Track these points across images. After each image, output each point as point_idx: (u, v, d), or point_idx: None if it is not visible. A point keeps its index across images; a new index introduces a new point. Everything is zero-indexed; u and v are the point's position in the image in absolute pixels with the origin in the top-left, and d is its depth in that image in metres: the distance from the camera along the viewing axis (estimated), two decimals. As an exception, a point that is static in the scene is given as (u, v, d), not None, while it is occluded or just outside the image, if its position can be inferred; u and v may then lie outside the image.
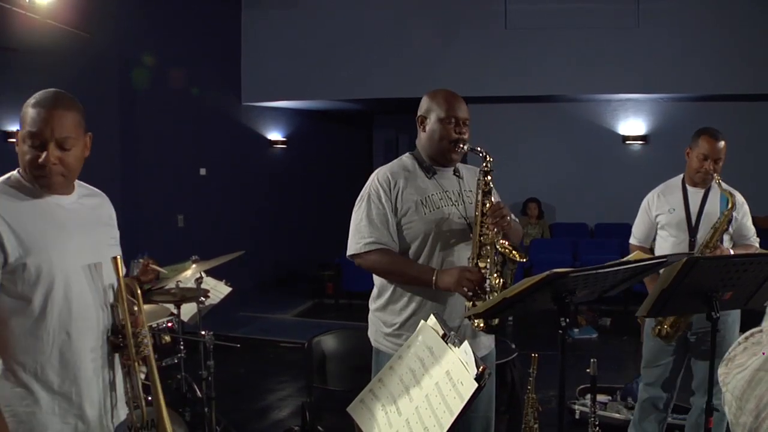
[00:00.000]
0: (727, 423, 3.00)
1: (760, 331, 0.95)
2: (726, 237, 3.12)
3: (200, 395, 3.57)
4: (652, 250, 3.32)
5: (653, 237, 3.31)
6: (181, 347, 3.52)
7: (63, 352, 1.75)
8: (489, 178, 2.24)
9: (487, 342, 2.42)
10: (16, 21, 5.07)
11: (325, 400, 3.27)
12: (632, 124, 8.67)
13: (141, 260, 2.72)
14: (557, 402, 1.93)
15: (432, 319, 1.57)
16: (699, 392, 3.11)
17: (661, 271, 2.17)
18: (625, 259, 1.98)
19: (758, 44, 7.47)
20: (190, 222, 7.60)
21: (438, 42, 8.07)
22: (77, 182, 1.89)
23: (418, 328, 1.60)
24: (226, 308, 4.12)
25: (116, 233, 1.99)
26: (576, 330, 6.44)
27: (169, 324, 3.55)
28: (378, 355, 2.40)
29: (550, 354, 2.09)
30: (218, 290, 3.84)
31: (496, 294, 2.12)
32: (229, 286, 3.90)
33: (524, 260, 2.17)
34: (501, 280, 2.16)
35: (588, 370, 2.99)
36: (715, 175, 3.06)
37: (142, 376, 1.94)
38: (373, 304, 2.45)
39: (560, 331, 1.83)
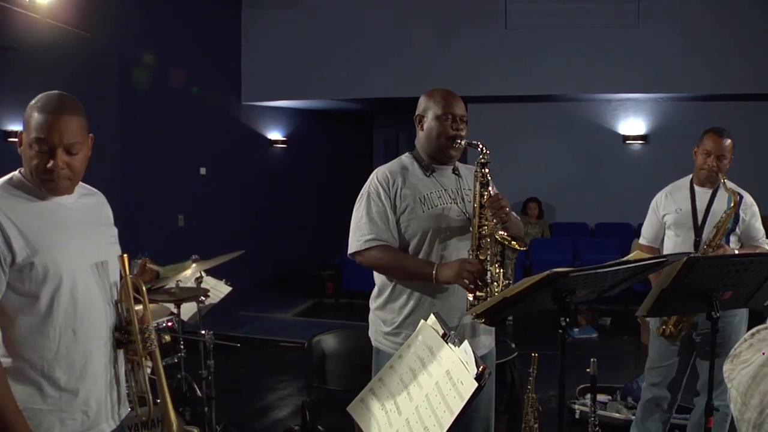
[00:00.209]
0: (731, 422, 3.01)
1: (766, 327, 0.95)
2: (734, 238, 3.11)
3: (200, 394, 3.57)
4: (660, 251, 3.31)
5: (662, 237, 3.31)
6: (181, 346, 3.53)
7: (69, 350, 1.76)
8: (486, 170, 2.24)
9: (487, 341, 2.42)
10: (16, 20, 5.07)
11: (325, 400, 3.27)
12: (632, 124, 8.67)
13: (139, 261, 2.73)
14: (557, 401, 1.92)
15: (432, 319, 1.57)
16: (703, 392, 3.08)
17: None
18: (625, 258, 1.98)
19: (759, 44, 7.47)
20: (190, 221, 7.60)
21: (438, 42, 8.08)
22: None
23: (418, 327, 1.60)
24: (226, 308, 4.12)
25: (115, 231, 2.01)
26: (576, 329, 6.45)
27: (169, 323, 3.56)
28: (378, 355, 2.41)
29: (550, 353, 2.09)
30: (218, 290, 3.84)
31: (496, 285, 2.13)
32: (229, 285, 3.90)
33: (524, 248, 2.17)
34: (501, 270, 2.16)
35: (588, 370, 2.99)
36: (721, 174, 3.06)
37: (148, 371, 1.96)
38: (373, 303, 2.46)
39: (560, 331, 1.83)
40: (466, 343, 1.41)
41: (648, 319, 3.14)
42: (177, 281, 3.45)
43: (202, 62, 7.74)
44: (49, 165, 1.71)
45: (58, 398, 1.75)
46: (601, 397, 4.06)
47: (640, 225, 3.50)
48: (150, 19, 6.94)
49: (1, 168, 1.88)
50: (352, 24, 8.22)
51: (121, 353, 1.93)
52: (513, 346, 3.61)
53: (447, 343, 1.47)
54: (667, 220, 3.24)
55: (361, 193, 2.40)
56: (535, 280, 1.70)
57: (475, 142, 2.27)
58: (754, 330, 0.97)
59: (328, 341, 3.38)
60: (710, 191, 3.15)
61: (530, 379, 3.20)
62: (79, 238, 1.81)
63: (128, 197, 6.50)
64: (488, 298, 2.09)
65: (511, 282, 2.12)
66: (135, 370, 1.94)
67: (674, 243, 3.20)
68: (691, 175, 3.25)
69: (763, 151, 7.90)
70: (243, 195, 8.53)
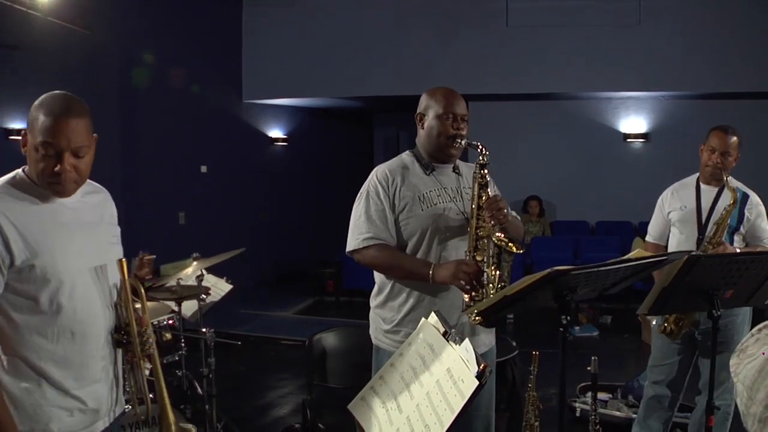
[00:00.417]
0: (731, 422, 3.01)
1: None
2: (738, 238, 3.09)
3: (201, 392, 3.57)
4: (666, 248, 3.31)
5: (668, 234, 3.30)
6: (182, 344, 3.53)
7: (67, 350, 1.77)
8: (485, 171, 2.24)
9: (487, 340, 2.42)
10: (16, 18, 5.07)
11: (326, 398, 3.28)
12: (633, 122, 8.67)
13: (136, 259, 2.73)
14: (558, 400, 1.93)
15: (433, 317, 1.57)
16: (705, 391, 3.07)
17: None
18: (626, 257, 1.98)
19: (759, 43, 7.46)
20: (191, 219, 7.60)
21: (439, 40, 8.06)
22: None
23: (419, 325, 1.60)
24: (227, 306, 4.12)
25: (117, 231, 2.00)
26: (577, 328, 6.45)
27: (170, 321, 3.57)
28: (378, 353, 2.41)
29: (551, 352, 2.09)
30: (219, 288, 3.84)
31: (492, 286, 2.12)
32: (230, 283, 3.90)
33: (521, 251, 2.16)
34: (498, 272, 2.15)
35: (589, 368, 3.00)
36: (725, 172, 3.05)
37: (147, 372, 1.96)
38: (373, 302, 2.46)
39: (561, 329, 1.83)
40: (467, 341, 1.41)
41: (649, 317, 3.14)
42: (178, 279, 3.46)
43: (202, 60, 7.72)
44: (56, 169, 1.70)
45: (56, 395, 1.76)
46: (601, 396, 4.06)
47: (641, 223, 3.51)
48: (151, 17, 6.94)
49: (2, 166, 1.88)
50: (353, 21, 8.22)
51: (120, 353, 1.93)
52: (514, 344, 3.61)
53: (448, 341, 1.47)
54: (672, 217, 3.24)
55: (360, 191, 2.40)
56: (536, 278, 1.70)
57: (475, 142, 2.27)
58: (761, 325, 0.98)
59: (329, 339, 3.38)
60: (716, 189, 3.14)
61: (531, 377, 3.20)
62: (80, 240, 1.81)
63: (129, 196, 6.50)
64: (483, 300, 2.09)
65: (507, 284, 2.12)
66: (134, 370, 1.95)
67: (678, 240, 3.20)
68: (698, 174, 3.24)
69: (764, 149, 7.89)
70: (244, 193, 8.53)
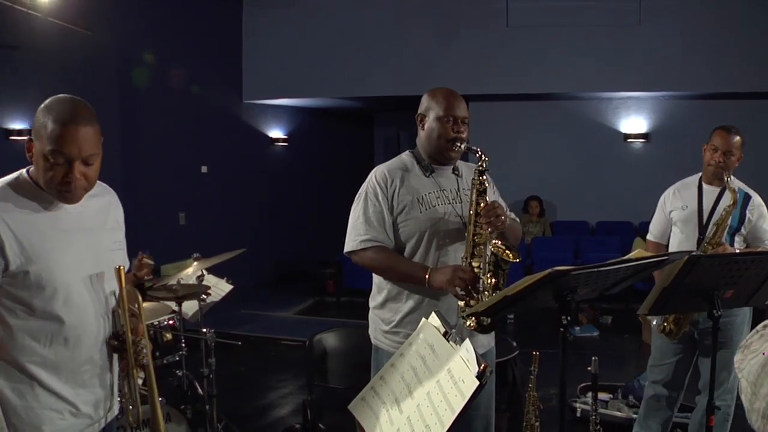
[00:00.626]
0: (732, 421, 3.01)
1: None
2: (739, 238, 3.09)
3: (201, 393, 3.57)
4: (668, 247, 3.31)
5: (669, 233, 3.30)
6: (183, 345, 3.53)
7: (61, 357, 1.75)
8: (484, 177, 2.23)
9: (486, 340, 2.41)
10: (17, 19, 5.08)
11: (326, 398, 3.28)
12: (633, 122, 8.67)
13: (135, 259, 2.72)
14: (558, 400, 1.92)
15: (433, 317, 1.57)
16: (705, 391, 3.08)
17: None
18: (626, 257, 1.97)
19: (759, 43, 7.46)
20: (191, 220, 7.60)
21: (439, 40, 8.07)
22: None
23: (419, 325, 1.60)
24: (227, 306, 4.12)
25: (121, 236, 1.96)
26: (577, 328, 6.45)
27: (171, 321, 3.56)
28: (377, 353, 2.41)
29: (551, 352, 2.09)
30: (219, 288, 3.84)
31: (487, 294, 2.12)
32: (231, 283, 3.90)
33: (518, 260, 2.16)
34: (493, 280, 2.15)
35: (589, 368, 3.00)
36: (726, 171, 3.04)
37: (140, 381, 1.94)
38: (372, 302, 2.46)
39: (561, 329, 1.82)
40: (467, 341, 1.41)
41: (649, 317, 3.14)
42: (178, 279, 3.46)
43: (202, 61, 7.73)
44: (66, 178, 1.67)
45: (48, 398, 1.74)
46: (602, 396, 4.06)
47: (642, 223, 3.51)
48: (151, 17, 6.94)
49: (2, 167, 1.87)
50: (353, 21, 8.22)
51: (115, 359, 1.91)
52: (514, 344, 3.61)
53: (448, 341, 1.47)
54: (673, 217, 3.24)
55: (359, 191, 2.39)
56: (536, 279, 1.70)
57: (474, 147, 2.26)
58: (766, 322, 0.98)
59: (329, 339, 3.38)
60: (718, 190, 3.13)
61: (531, 377, 3.20)
62: (78, 247, 1.78)
63: (129, 196, 6.42)
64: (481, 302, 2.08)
65: None
66: (128, 379, 1.91)
67: (678, 240, 3.20)
68: (700, 173, 3.24)
69: (764, 149, 7.88)
70: (244, 193, 8.53)
